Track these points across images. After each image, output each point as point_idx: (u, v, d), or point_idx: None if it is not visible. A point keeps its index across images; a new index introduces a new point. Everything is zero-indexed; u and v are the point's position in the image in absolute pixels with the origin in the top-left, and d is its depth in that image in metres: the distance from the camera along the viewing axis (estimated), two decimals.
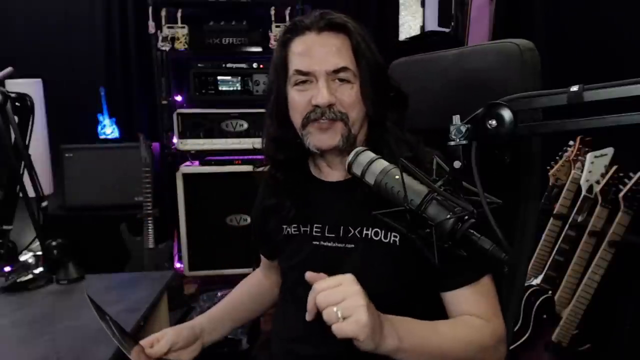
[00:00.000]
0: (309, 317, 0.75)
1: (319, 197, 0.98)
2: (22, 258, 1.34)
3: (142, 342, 0.94)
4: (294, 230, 1.00)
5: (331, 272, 0.92)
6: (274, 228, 1.03)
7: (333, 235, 0.95)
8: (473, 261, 0.84)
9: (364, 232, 0.92)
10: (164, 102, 2.67)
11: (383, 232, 0.90)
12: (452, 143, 0.70)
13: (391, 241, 0.90)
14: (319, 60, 0.88)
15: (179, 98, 2.75)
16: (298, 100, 0.91)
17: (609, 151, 1.84)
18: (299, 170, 1.00)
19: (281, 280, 1.09)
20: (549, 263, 1.90)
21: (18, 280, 1.18)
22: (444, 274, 0.87)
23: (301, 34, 0.91)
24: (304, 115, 0.91)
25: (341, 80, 0.89)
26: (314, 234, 0.98)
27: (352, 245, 0.92)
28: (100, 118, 2.76)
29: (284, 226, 1.02)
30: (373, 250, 0.90)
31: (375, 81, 0.91)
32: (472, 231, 0.67)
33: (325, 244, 0.96)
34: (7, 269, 1.25)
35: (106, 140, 2.76)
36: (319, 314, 0.76)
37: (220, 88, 2.62)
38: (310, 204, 0.98)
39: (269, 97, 0.97)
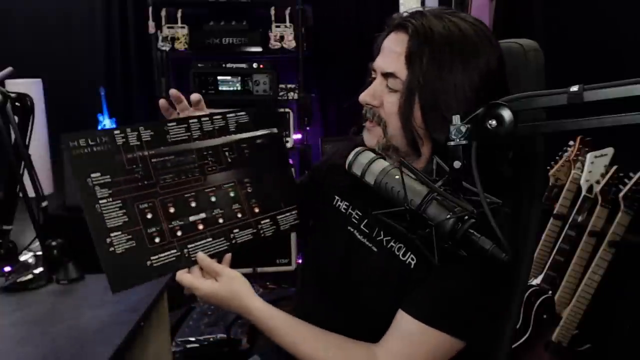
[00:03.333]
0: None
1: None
2: (22, 258, 1.34)
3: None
4: (344, 207, 1.00)
5: (350, 266, 0.93)
6: (327, 192, 1.03)
7: (367, 231, 0.94)
8: (453, 317, 0.81)
9: (391, 242, 0.90)
10: None
11: (404, 249, 0.87)
12: (452, 143, 0.70)
13: (407, 262, 0.86)
14: (381, 59, 0.87)
15: None
16: None
17: (609, 151, 1.84)
18: None
19: (306, 256, 1.11)
20: (549, 263, 1.89)
21: (18, 280, 1.18)
22: (415, 296, 0.84)
23: (389, 30, 0.88)
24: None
25: (390, 87, 0.85)
26: (352, 219, 0.97)
27: (376, 250, 0.91)
28: (100, 118, 2.76)
29: (337, 197, 1.01)
30: (391, 264, 0.88)
31: (427, 102, 0.80)
32: (472, 231, 0.67)
33: (357, 235, 0.95)
34: (7, 269, 1.25)
35: None
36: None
37: (220, 88, 2.62)
38: (365, 188, 0.93)
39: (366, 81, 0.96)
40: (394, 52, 0.83)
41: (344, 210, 0.99)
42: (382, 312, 0.86)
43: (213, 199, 0.94)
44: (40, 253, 1.27)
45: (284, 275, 2.63)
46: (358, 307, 0.91)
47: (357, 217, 0.97)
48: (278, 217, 1.02)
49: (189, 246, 0.89)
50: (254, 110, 1.02)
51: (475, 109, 0.74)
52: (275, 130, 1.05)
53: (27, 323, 1.03)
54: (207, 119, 0.96)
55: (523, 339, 1.83)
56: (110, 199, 0.83)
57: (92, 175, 0.82)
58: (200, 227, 0.91)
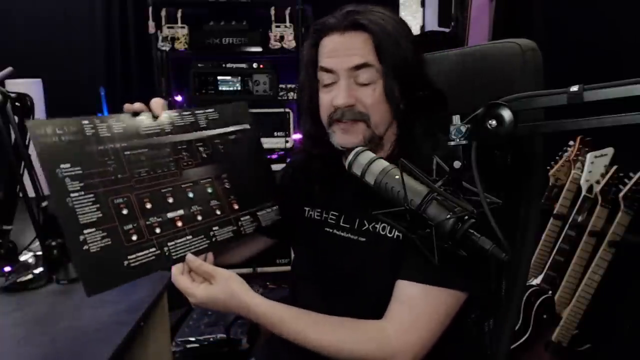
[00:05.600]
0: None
1: (344, 186, 0.98)
2: (22, 258, 1.34)
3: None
4: (317, 215, 1.01)
5: (340, 263, 0.95)
6: (296, 208, 1.05)
7: (347, 225, 0.96)
8: (448, 271, 0.81)
9: (376, 226, 0.92)
10: None
11: (389, 227, 0.90)
12: (452, 143, 0.70)
13: (395, 236, 0.90)
14: (341, 59, 0.89)
15: (179, 98, 2.75)
16: (324, 100, 0.93)
17: (609, 151, 1.84)
18: (332, 161, 0.99)
19: (293, 264, 1.12)
20: (549, 263, 1.90)
21: (18, 280, 1.18)
22: (409, 263, 0.85)
23: (328, 34, 0.91)
24: (328, 115, 0.92)
25: (362, 81, 0.88)
26: (329, 220, 0.99)
27: (364, 239, 0.93)
28: None
29: (307, 208, 1.03)
30: (380, 245, 0.91)
31: (402, 79, 0.89)
32: (472, 231, 0.67)
33: (338, 233, 0.97)
34: (7, 269, 1.24)
35: None
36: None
37: (220, 88, 2.62)
38: (335, 190, 0.99)
39: (300, 95, 1.00)
40: (355, 48, 0.88)
41: (318, 217, 1.01)
42: (382, 293, 0.87)
43: (190, 194, 0.91)
44: (40, 253, 1.27)
45: (284, 275, 2.63)
46: (358, 295, 0.92)
47: (334, 217, 0.98)
48: (258, 213, 1.00)
49: (169, 244, 0.85)
50: (221, 106, 1.01)
51: (419, 66, 0.92)
52: (247, 126, 1.04)
53: (27, 323, 1.03)
54: (177, 114, 0.94)
55: (523, 339, 1.83)
56: (82, 193, 0.78)
57: (62, 166, 0.77)
58: (179, 224, 0.88)
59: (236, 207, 0.97)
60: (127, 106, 0.92)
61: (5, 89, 1.19)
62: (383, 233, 0.91)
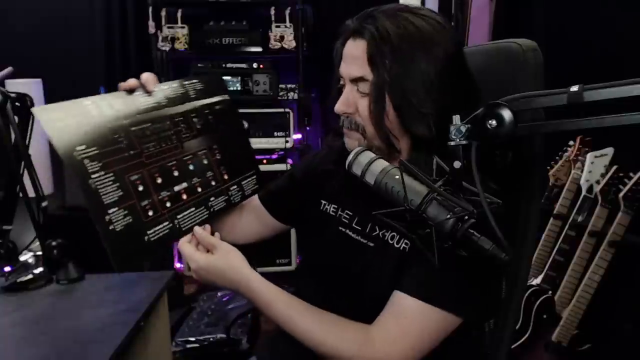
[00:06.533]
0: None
1: (362, 187, 0.95)
2: (22, 258, 1.34)
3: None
4: (332, 211, 1.01)
5: (346, 263, 0.95)
6: (313, 197, 1.04)
7: (360, 228, 0.95)
8: (448, 293, 0.82)
9: (386, 234, 0.91)
10: None
11: (397, 237, 0.90)
12: (452, 143, 0.70)
13: (401, 247, 0.89)
14: (347, 66, 0.88)
15: None
16: None
17: (609, 151, 1.84)
18: None
19: (303, 255, 1.13)
20: (549, 263, 1.90)
21: (18, 280, 1.18)
22: (410, 276, 0.84)
23: (345, 37, 0.90)
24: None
25: (362, 92, 0.87)
26: (342, 219, 0.98)
27: (372, 244, 0.92)
28: None
29: (324, 201, 1.03)
30: (387, 254, 0.90)
31: (396, 96, 0.83)
32: (472, 231, 0.67)
33: (350, 233, 0.96)
34: (7, 269, 1.24)
35: None
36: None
37: None
38: (353, 190, 0.96)
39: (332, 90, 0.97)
40: (356, 58, 0.85)
41: (333, 213, 1.01)
42: (380, 300, 0.87)
43: (191, 167, 0.94)
44: (40, 253, 1.27)
45: (284, 275, 2.63)
46: (360, 299, 0.92)
47: (348, 217, 0.98)
48: (242, 182, 1.04)
49: (178, 217, 0.90)
50: (205, 78, 1.04)
51: (441, 92, 0.82)
52: (227, 96, 1.07)
53: (27, 323, 1.03)
54: (167, 86, 0.96)
55: (523, 339, 1.83)
56: (103, 173, 0.79)
57: (78, 148, 0.77)
58: (184, 197, 0.91)
59: (226, 177, 1.00)
60: (121, 85, 0.92)
61: (5, 89, 1.19)
62: (391, 242, 0.90)
